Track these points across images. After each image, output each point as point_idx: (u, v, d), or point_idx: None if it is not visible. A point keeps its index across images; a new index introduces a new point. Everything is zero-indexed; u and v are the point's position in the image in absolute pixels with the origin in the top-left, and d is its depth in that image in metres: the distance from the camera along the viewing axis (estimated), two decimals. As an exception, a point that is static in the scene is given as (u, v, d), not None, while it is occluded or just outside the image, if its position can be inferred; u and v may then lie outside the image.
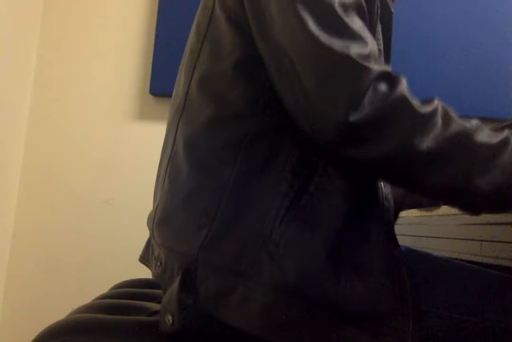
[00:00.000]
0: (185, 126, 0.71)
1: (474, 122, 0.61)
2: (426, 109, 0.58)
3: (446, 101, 0.61)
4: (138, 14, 2.10)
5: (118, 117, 2.05)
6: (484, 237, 0.92)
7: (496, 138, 0.61)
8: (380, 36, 0.70)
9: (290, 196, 0.62)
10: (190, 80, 0.71)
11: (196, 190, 0.66)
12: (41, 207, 2.01)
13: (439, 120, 0.58)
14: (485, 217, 0.91)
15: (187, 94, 0.72)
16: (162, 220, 0.71)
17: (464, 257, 0.99)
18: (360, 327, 0.60)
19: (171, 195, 0.70)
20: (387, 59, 0.78)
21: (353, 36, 0.58)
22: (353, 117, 0.55)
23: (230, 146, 0.65)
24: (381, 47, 0.71)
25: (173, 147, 0.72)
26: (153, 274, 0.74)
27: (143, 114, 2.05)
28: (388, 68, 0.59)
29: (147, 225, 0.78)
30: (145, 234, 0.81)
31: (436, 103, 0.60)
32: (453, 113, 0.60)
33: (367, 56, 0.57)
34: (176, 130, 0.73)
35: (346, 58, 0.56)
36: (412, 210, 1.32)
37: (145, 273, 0.89)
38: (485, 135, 0.60)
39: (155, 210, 0.74)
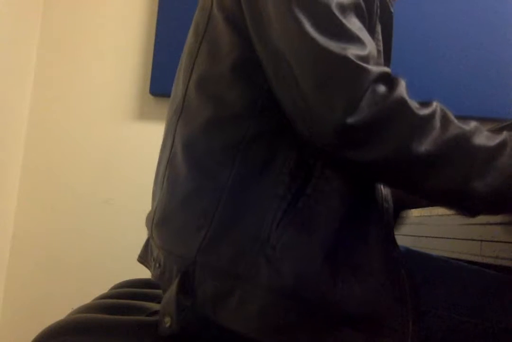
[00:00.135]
0: (183, 127, 0.71)
1: (473, 124, 0.61)
2: (425, 111, 0.58)
3: (446, 101, 0.61)
4: (138, 14, 2.10)
5: (118, 117, 2.05)
6: (484, 237, 0.92)
7: (494, 140, 0.60)
8: (380, 37, 0.70)
9: (287, 199, 0.62)
10: (188, 81, 0.71)
11: (195, 191, 0.66)
12: (41, 207, 2.01)
13: (437, 123, 0.58)
14: (485, 217, 0.91)
15: (185, 95, 0.71)
16: (161, 221, 0.71)
17: (464, 257, 0.99)
18: (358, 329, 0.60)
19: (170, 196, 0.70)
20: (388, 60, 0.78)
21: (351, 37, 0.58)
22: (351, 120, 0.55)
23: (228, 148, 0.65)
24: (381, 48, 0.70)
25: (171, 148, 0.72)
26: (152, 275, 0.74)
27: (143, 114, 2.05)
28: (387, 69, 0.58)
29: (146, 225, 0.78)
30: (145, 234, 0.81)
31: (435, 105, 0.59)
32: (451, 115, 0.60)
33: (366, 58, 0.57)
34: (175, 132, 0.72)
35: (344, 60, 0.56)
36: (412, 210, 1.32)
37: (145, 273, 0.89)
38: (484, 138, 0.60)
39: (154, 211, 0.74)
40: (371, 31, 0.65)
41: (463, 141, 0.59)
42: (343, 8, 0.59)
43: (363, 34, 0.60)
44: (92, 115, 2.05)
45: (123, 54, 2.07)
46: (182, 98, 0.72)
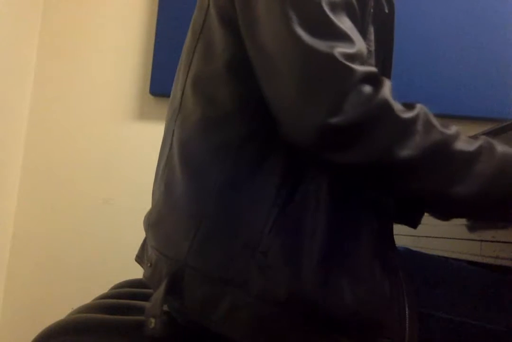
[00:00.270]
0: (180, 127, 0.70)
1: (454, 128, 0.61)
2: (408, 115, 0.57)
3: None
4: (138, 14, 2.09)
5: (118, 117, 2.05)
6: (484, 237, 0.92)
7: (474, 145, 0.60)
8: (372, 37, 0.68)
9: (278, 205, 0.61)
10: (186, 80, 0.71)
11: (186, 192, 0.65)
12: (41, 207, 2.01)
13: (420, 127, 0.57)
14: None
15: (182, 94, 0.71)
16: (155, 222, 0.71)
17: (464, 257, 0.99)
18: (350, 336, 0.59)
19: (166, 197, 0.70)
20: (389, 60, 0.77)
21: (340, 35, 0.57)
22: (334, 120, 0.54)
23: (220, 149, 0.64)
24: (372, 48, 0.68)
25: (170, 148, 0.72)
26: (144, 275, 0.73)
27: (143, 114, 2.05)
28: (373, 69, 0.58)
29: (143, 225, 0.78)
30: (144, 234, 0.81)
31: (418, 108, 0.59)
32: (434, 119, 0.60)
33: (353, 56, 0.56)
34: (173, 132, 0.72)
35: (330, 59, 0.55)
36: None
37: (145, 273, 0.89)
38: (464, 142, 0.60)
39: (151, 211, 0.74)
40: (363, 31, 0.64)
41: (445, 146, 0.59)
42: (334, 6, 0.58)
43: (353, 32, 0.59)
44: (92, 115, 2.05)
45: (123, 54, 2.07)
46: (180, 98, 0.71)
